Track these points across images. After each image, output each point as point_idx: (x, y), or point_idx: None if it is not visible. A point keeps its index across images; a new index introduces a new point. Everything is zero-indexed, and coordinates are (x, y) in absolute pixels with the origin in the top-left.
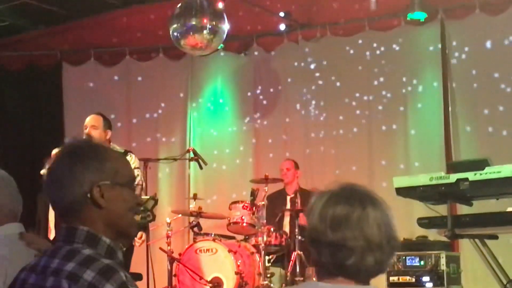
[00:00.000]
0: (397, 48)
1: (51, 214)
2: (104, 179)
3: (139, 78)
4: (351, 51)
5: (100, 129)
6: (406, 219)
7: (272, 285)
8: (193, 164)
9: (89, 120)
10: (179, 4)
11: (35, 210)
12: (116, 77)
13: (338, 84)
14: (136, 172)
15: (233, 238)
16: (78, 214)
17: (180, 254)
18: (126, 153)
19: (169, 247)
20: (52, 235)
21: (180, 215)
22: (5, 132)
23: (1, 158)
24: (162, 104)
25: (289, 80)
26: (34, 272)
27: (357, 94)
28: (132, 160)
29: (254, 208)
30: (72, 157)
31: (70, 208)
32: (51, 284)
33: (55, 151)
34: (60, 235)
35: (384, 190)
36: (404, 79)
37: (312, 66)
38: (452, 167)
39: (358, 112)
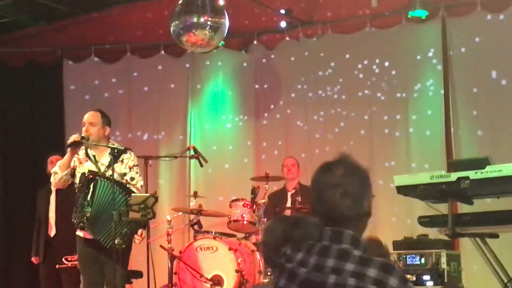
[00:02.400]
0: (398, 45)
1: (52, 210)
2: (372, 194)
3: (140, 75)
4: (352, 49)
5: (98, 126)
6: (406, 218)
7: None
8: (193, 161)
9: (87, 117)
10: (180, 1)
11: (35, 206)
12: (116, 74)
13: (339, 82)
14: (136, 169)
15: (234, 236)
16: (352, 222)
17: (180, 252)
18: (125, 150)
19: (169, 245)
20: (53, 232)
21: (180, 213)
22: (5, 128)
23: (1, 154)
24: (163, 101)
25: (290, 77)
26: (304, 267)
27: (358, 92)
28: (131, 158)
29: (254, 206)
30: (361, 174)
31: (351, 218)
32: (335, 281)
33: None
34: (323, 236)
35: (384, 189)
36: (405, 76)
37: (313, 64)
38: (453, 165)
39: (358, 110)
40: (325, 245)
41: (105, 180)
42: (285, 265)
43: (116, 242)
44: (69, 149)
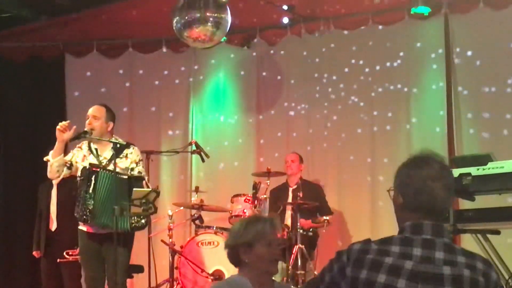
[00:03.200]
0: (401, 42)
1: (53, 205)
2: None
3: (142, 71)
4: (354, 45)
5: (102, 120)
6: None
7: (273, 278)
8: (195, 157)
9: (91, 110)
10: None
11: (37, 200)
12: (118, 69)
13: (341, 78)
14: (142, 164)
15: None
16: (444, 214)
17: (181, 247)
18: (128, 145)
19: (170, 240)
20: (54, 226)
21: (182, 208)
22: (7, 124)
23: (4, 150)
24: (164, 97)
25: (291, 73)
26: (409, 259)
27: (360, 89)
28: (136, 152)
29: (256, 201)
30: (450, 169)
31: (445, 210)
32: (451, 272)
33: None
34: (426, 230)
35: (385, 186)
36: (407, 73)
37: (315, 60)
38: (455, 162)
39: (360, 106)
40: (428, 239)
41: (106, 171)
42: (379, 259)
43: (135, 221)
44: (57, 135)
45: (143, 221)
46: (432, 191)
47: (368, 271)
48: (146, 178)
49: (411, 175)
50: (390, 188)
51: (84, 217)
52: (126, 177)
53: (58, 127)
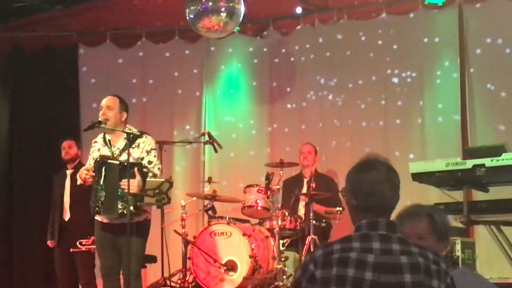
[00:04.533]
0: (415, 32)
1: (67, 195)
2: None
3: (155, 60)
4: (368, 35)
5: (115, 110)
6: None
7: (286, 269)
8: (208, 147)
9: (105, 101)
10: None
11: (51, 191)
12: (131, 59)
13: (354, 69)
14: (153, 153)
15: (248, 221)
16: (392, 210)
17: (194, 237)
18: (141, 134)
19: (183, 230)
20: (67, 216)
21: (194, 198)
22: (21, 113)
23: (18, 140)
24: (178, 87)
25: (305, 64)
26: (370, 253)
27: (373, 79)
28: (148, 141)
29: (269, 192)
30: (394, 169)
31: (393, 207)
32: (408, 260)
33: None
34: (381, 226)
35: (399, 176)
36: (421, 64)
37: (328, 50)
38: (469, 153)
39: (373, 97)
40: (384, 234)
41: (115, 162)
42: (345, 255)
43: (122, 208)
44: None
45: (131, 207)
46: (381, 193)
47: (338, 268)
48: (158, 167)
49: (361, 179)
50: (342, 189)
51: (97, 208)
52: (118, 163)
53: (83, 174)
